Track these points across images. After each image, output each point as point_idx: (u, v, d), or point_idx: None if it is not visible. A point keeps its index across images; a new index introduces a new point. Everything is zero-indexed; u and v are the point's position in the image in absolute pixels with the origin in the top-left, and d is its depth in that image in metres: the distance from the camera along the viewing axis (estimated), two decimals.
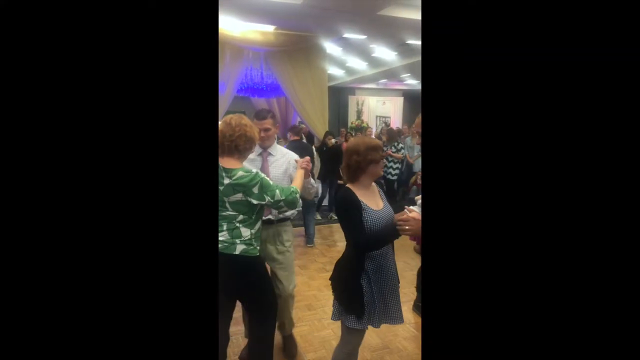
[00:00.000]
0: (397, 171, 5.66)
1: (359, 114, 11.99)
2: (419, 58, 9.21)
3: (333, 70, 9.97)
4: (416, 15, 4.71)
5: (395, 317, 1.51)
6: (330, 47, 6.79)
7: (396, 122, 12.03)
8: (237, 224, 1.57)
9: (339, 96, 11.78)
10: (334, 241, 4.30)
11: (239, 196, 1.54)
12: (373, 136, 7.14)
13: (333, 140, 5.04)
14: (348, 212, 1.44)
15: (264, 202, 1.56)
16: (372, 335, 2.26)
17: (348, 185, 1.51)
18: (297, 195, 1.64)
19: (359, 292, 1.44)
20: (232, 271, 1.56)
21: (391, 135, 5.84)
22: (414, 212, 1.38)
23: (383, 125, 11.30)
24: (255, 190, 1.54)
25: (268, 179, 1.60)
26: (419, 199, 1.69)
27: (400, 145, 5.70)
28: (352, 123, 10.74)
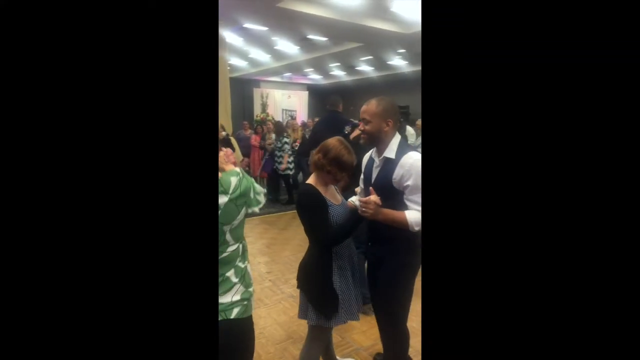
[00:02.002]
0: (291, 165, 5.29)
1: (264, 107, 11.88)
2: (321, 53, 9.47)
3: (235, 61, 9.66)
4: (314, 10, 4.78)
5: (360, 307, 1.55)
6: (231, 36, 6.53)
7: (302, 116, 12.22)
8: (240, 263, 1.11)
9: (243, 88, 11.49)
10: (259, 233, 4.19)
11: (243, 214, 1.07)
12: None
13: (224, 133, 4.88)
14: (314, 210, 1.40)
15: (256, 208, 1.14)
16: (275, 327, 2.27)
17: (309, 181, 1.47)
18: None
19: (333, 293, 1.43)
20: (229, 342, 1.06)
21: (278, 129, 5.58)
22: (374, 195, 1.34)
23: (289, 118, 11.37)
24: (252, 194, 1.10)
25: None
26: (357, 189, 1.73)
27: (285, 140, 5.30)
28: (257, 116, 10.58)
